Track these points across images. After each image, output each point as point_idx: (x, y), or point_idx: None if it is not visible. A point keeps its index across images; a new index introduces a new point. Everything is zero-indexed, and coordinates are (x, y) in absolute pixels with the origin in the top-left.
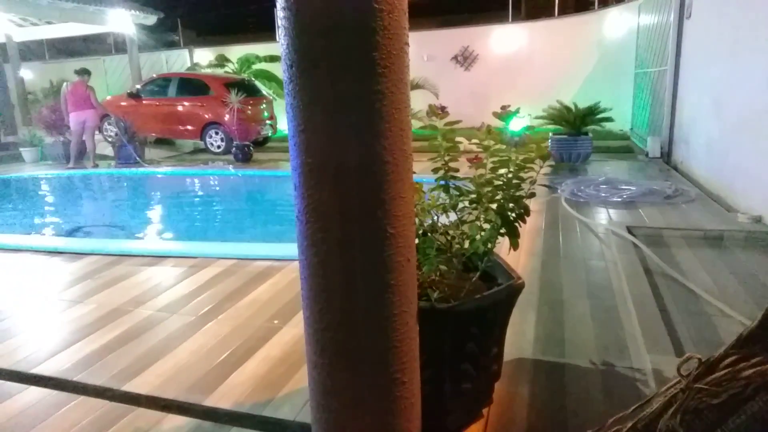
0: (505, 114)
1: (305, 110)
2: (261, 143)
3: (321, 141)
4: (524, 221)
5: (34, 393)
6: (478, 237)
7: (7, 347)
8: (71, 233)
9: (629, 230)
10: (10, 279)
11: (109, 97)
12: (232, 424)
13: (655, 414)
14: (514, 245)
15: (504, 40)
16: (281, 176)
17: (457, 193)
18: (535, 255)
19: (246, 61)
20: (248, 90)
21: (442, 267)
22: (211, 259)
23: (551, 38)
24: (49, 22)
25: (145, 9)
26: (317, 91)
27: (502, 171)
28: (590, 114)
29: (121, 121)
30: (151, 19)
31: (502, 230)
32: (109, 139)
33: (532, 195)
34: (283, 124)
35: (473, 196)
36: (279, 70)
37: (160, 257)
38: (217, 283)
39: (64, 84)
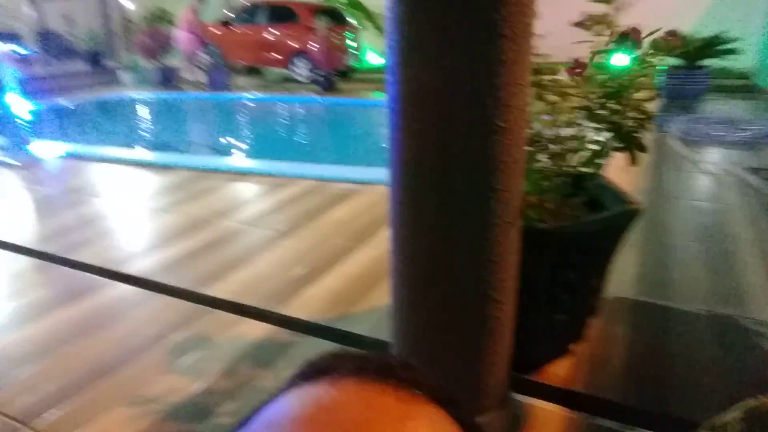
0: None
1: None
2: (344, 74)
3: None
4: (646, 129)
5: (121, 288)
6: (586, 152)
7: (101, 246)
8: (161, 148)
9: (752, 171)
10: (109, 188)
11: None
12: (309, 334)
13: None
14: (634, 159)
15: None
16: (364, 105)
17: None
18: (638, 194)
19: None
20: (336, 18)
21: (545, 183)
22: (292, 179)
23: None
24: None
25: None
26: None
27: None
28: (709, 46)
29: (214, 48)
30: None
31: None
32: (201, 66)
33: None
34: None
35: (577, 98)
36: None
37: (244, 174)
38: (298, 201)
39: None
